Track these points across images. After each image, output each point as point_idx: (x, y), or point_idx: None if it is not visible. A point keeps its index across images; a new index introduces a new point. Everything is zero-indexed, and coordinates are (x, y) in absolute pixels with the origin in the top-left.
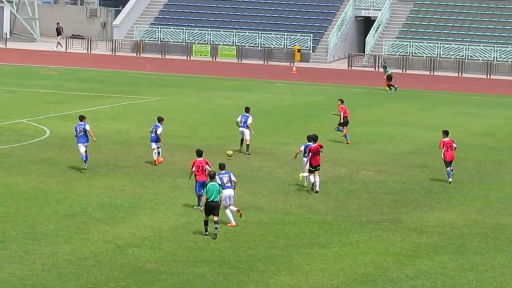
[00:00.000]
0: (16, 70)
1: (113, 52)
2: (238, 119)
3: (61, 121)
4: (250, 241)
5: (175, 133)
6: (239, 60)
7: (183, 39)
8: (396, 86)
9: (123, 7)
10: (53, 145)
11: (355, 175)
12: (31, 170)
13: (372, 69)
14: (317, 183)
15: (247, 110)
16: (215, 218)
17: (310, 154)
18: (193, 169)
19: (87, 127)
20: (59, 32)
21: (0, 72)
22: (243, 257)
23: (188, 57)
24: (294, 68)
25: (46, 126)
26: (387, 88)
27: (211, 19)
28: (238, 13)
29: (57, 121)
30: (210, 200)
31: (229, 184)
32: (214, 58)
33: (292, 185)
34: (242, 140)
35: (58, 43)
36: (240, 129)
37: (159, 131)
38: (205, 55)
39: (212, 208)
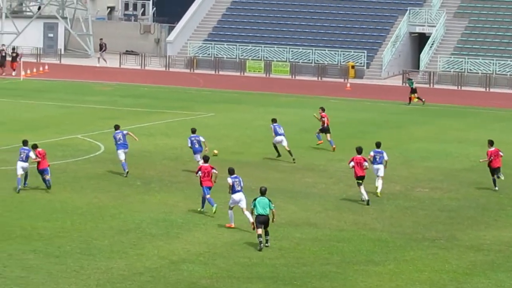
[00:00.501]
0: (70, 85)
1: (167, 68)
2: (273, 131)
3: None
4: (304, 257)
5: (228, 149)
6: (293, 76)
7: (236, 55)
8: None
9: (177, 24)
10: (108, 161)
11: (410, 192)
12: (85, 185)
13: (427, 85)
14: (365, 194)
15: (275, 120)
16: (265, 229)
17: (353, 164)
18: (199, 174)
19: (125, 132)
20: (101, 47)
21: (54, 87)
22: (297, 274)
23: (242, 73)
24: (348, 85)
25: (101, 141)
26: (415, 100)
27: (265, 35)
28: (292, 29)
29: (111, 137)
30: (259, 214)
31: (239, 188)
32: (267, 74)
33: (346, 201)
34: (276, 148)
35: (101, 58)
36: (279, 137)
37: (203, 138)
38: (258, 71)
39: (262, 221)
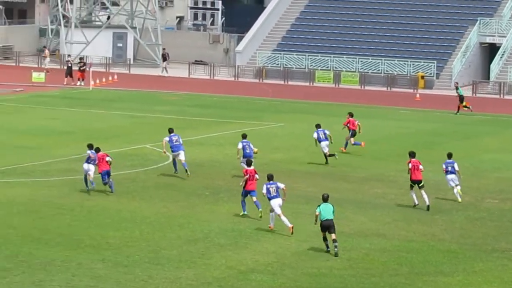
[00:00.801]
0: (139, 95)
1: (236, 78)
2: (315, 136)
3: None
4: (373, 268)
5: (298, 159)
6: (362, 86)
7: (305, 65)
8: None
9: (246, 33)
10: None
11: (480, 203)
12: (154, 195)
13: (497, 96)
14: (426, 198)
15: (319, 126)
16: (333, 236)
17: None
18: (247, 177)
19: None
20: (164, 57)
21: (123, 97)
22: (366, 285)
23: (311, 83)
24: (418, 95)
25: (169, 151)
26: (464, 108)
27: (334, 45)
28: (361, 40)
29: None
30: (324, 219)
31: (275, 194)
32: (336, 85)
33: (415, 212)
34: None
35: (164, 68)
36: (323, 143)
37: (252, 145)
38: (327, 81)
39: (327, 226)
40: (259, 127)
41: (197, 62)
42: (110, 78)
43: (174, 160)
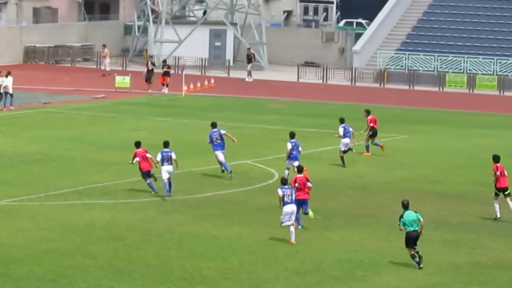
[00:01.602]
0: (239, 103)
1: (353, 83)
2: (341, 133)
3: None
4: None
5: (425, 177)
6: (501, 92)
7: (434, 67)
8: None
9: (365, 30)
10: None
11: None
12: (256, 219)
13: None
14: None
15: (342, 120)
16: (416, 249)
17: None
18: (296, 186)
19: (223, 132)
20: (250, 59)
21: (221, 105)
22: None
23: (441, 88)
24: None
25: (275, 168)
26: None
27: (468, 44)
28: (501, 37)
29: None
30: (411, 230)
31: (289, 200)
32: (471, 90)
33: None
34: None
35: (249, 72)
36: (346, 140)
37: (301, 148)
38: (460, 86)
39: (414, 238)
40: (380, 139)
41: (308, 64)
42: (205, 82)
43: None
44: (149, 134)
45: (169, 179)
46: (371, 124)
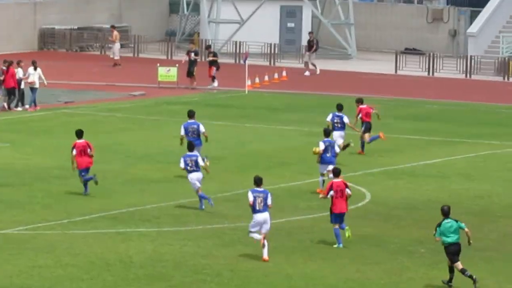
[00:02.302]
0: (319, 102)
1: (467, 75)
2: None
3: (388, 180)
4: None
5: None
6: None
7: None
8: None
9: (482, 8)
10: (375, 215)
11: None
12: (343, 253)
13: None
14: None
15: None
16: (460, 266)
17: None
18: (331, 194)
19: (202, 129)
20: (311, 46)
21: (295, 104)
22: None
23: None
24: None
25: (365, 186)
26: None
27: None
28: None
29: (381, 180)
30: (449, 243)
31: (261, 207)
32: None
33: None
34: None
35: (309, 63)
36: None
37: (338, 150)
38: None
39: (456, 252)
40: (503, 149)
41: (409, 51)
42: (275, 75)
43: None
44: (202, 142)
45: (200, 189)
46: (360, 116)
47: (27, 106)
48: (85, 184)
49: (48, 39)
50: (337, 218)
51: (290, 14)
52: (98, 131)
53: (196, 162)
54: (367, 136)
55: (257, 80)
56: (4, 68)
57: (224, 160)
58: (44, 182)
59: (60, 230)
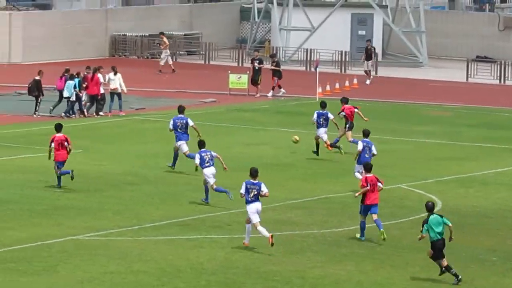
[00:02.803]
0: (391, 109)
1: None
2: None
3: (460, 188)
4: None
5: None
6: None
7: None
8: None
9: None
10: None
11: None
12: (412, 260)
13: None
14: None
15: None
16: (445, 262)
17: None
18: (367, 188)
19: (191, 123)
20: (368, 54)
21: (368, 112)
22: None
23: None
24: None
25: (437, 194)
26: None
27: None
28: None
29: (453, 188)
30: (436, 239)
31: (252, 197)
32: None
33: None
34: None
35: (368, 72)
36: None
37: (375, 151)
38: None
39: (441, 247)
40: None
41: (480, 59)
42: (346, 83)
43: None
44: (272, 149)
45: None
46: (343, 113)
47: (101, 113)
48: (59, 177)
49: (119, 46)
50: (367, 210)
51: (361, 21)
52: (169, 138)
53: (212, 157)
54: (349, 134)
55: (327, 87)
56: (86, 74)
57: (293, 167)
58: (116, 188)
59: (131, 237)
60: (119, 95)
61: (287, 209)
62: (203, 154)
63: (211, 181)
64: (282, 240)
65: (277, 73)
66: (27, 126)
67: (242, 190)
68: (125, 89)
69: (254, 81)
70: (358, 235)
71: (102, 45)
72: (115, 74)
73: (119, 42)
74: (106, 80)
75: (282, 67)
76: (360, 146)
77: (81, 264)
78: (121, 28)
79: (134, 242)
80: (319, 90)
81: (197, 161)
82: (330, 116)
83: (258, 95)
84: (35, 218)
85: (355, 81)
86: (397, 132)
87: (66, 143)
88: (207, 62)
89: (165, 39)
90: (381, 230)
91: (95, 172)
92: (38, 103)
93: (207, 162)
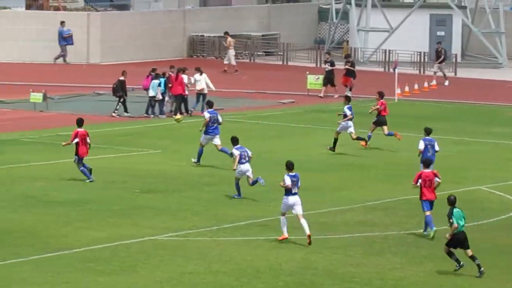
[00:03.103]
0: (469, 111)
1: None
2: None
3: None
4: None
5: None
6: None
7: None
8: None
9: None
10: None
11: None
12: (495, 264)
13: None
14: None
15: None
16: (470, 252)
17: None
18: (419, 182)
19: (220, 119)
20: (439, 56)
21: (446, 113)
22: None
23: None
24: None
25: None
26: None
27: None
28: None
29: None
30: (459, 231)
31: (295, 190)
32: None
33: None
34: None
35: (439, 71)
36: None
37: (437, 148)
38: None
39: (463, 240)
40: None
41: None
42: (425, 84)
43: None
44: (351, 150)
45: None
46: (377, 106)
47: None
48: (85, 172)
49: (197, 47)
50: (427, 205)
51: (440, 22)
52: (248, 138)
53: (248, 154)
54: (385, 128)
55: (406, 88)
56: (171, 73)
57: (374, 168)
58: (194, 189)
59: (210, 237)
60: (204, 95)
61: (366, 210)
62: (241, 151)
63: (249, 174)
64: (361, 241)
65: (352, 74)
66: (106, 126)
67: (288, 182)
68: (213, 88)
69: (330, 82)
70: (429, 229)
71: (180, 46)
72: (200, 74)
73: (197, 43)
74: (192, 81)
75: (361, 68)
76: (421, 145)
77: (159, 264)
78: (199, 29)
79: (212, 243)
80: (398, 91)
81: (237, 155)
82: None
83: (336, 95)
84: (113, 218)
85: (433, 82)
86: (476, 133)
87: (88, 139)
88: (285, 63)
89: (229, 39)
90: (433, 229)
91: (174, 172)
92: (119, 103)
93: (244, 159)
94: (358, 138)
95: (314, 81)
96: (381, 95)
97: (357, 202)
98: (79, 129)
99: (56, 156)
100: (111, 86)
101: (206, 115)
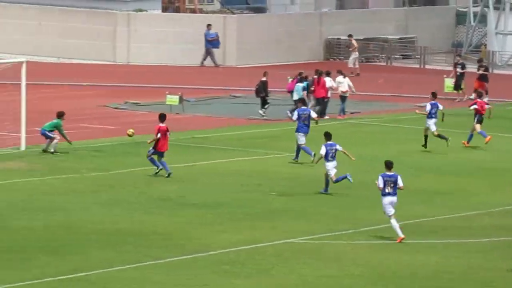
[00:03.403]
0: None
1: None
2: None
3: None
4: None
5: None
6: None
7: None
8: None
9: None
10: None
11: None
12: None
13: None
14: None
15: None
16: None
17: None
18: None
19: (314, 115)
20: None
21: None
22: None
23: None
24: None
25: None
26: None
27: None
28: None
29: None
30: None
31: (390, 190)
32: None
33: None
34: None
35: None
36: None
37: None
38: None
39: None
40: None
41: None
42: None
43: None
44: (490, 155)
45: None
46: (474, 106)
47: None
48: (154, 162)
49: (333, 50)
50: None
51: None
52: (385, 142)
53: (336, 152)
54: (478, 127)
55: None
56: (315, 77)
57: (509, 172)
58: (330, 191)
59: (345, 240)
60: (345, 98)
61: (505, 215)
62: (328, 148)
63: (332, 173)
64: (499, 246)
65: (485, 78)
66: (241, 129)
67: (380, 184)
68: (354, 90)
69: (457, 86)
70: None
71: (316, 49)
72: (344, 77)
73: (334, 46)
74: (335, 83)
75: (498, 72)
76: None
77: (296, 267)
78: (335, 32)
79: (348, 246)
80: None
81: (323, 152)
82: (440, 107)
83: (458, 99)
84: (249, 221)
85: None
86: None
87: (168, 134)
88: (422, 66)
89: (354, 42)
90: None
91: (310, 175)
92: (267, 103)
93: (331, 157)
94: (439, 136)
95: (451, 84)
96: (478, 94)
97: (495, 206)
98: (161, 125)
99: (190, 158)
100: (249, 88)
101: (294, 116)
